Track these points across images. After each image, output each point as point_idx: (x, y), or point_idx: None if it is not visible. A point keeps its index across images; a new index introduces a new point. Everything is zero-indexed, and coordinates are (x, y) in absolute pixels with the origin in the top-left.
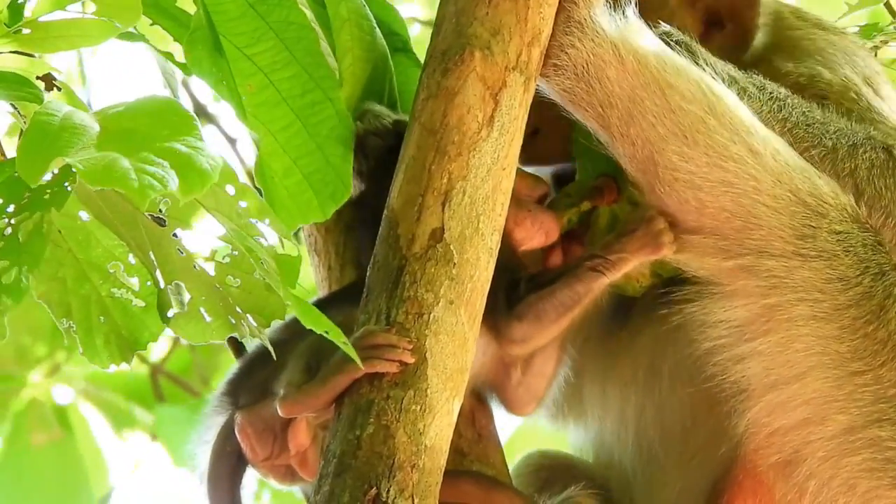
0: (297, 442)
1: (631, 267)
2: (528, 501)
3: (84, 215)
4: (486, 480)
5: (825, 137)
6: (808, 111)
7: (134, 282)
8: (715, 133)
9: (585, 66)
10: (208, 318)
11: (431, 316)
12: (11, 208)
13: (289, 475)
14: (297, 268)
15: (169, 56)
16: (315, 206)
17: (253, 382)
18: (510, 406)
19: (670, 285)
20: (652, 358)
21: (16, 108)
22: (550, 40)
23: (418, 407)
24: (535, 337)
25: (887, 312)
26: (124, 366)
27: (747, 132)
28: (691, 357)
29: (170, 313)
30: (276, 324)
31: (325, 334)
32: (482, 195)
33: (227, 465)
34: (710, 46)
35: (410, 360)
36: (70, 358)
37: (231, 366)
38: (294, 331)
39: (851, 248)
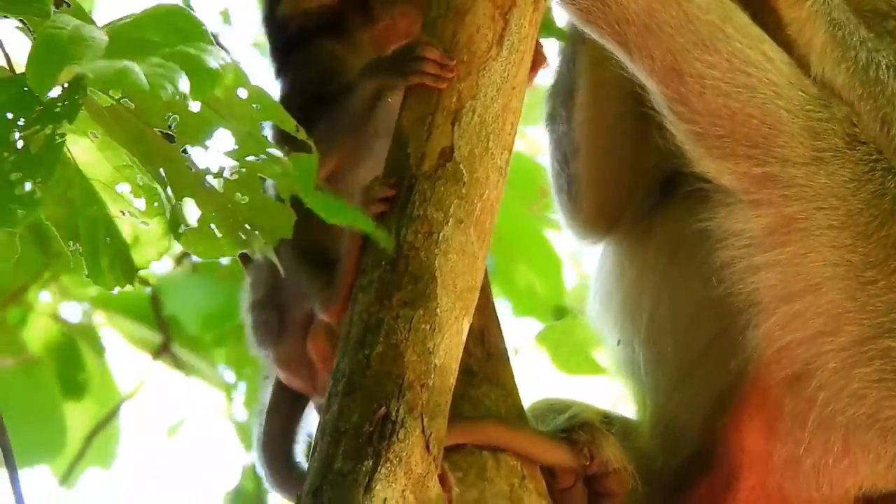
0: (317, 350)
1: None
2: (551, 437)
3: (94, 135)
4: (509, 423)
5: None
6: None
7: (140, 203)
8: (734, 40)
9: None
10: (218, 235)
11: (441, 235)
12: (22, 122)
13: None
14: (314, 167)
15: None
16: None
17: (264, 321)
18: None
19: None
20: (675, 246)
21: (25, 24)
22: None
23: (428, 326)
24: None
25: None
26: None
27: (760, 38)
28: (710, 259)
29: (181, 229)
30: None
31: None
32: (492, 114)
33: (288, 402)
34: None
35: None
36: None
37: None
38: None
39: (856, 141)
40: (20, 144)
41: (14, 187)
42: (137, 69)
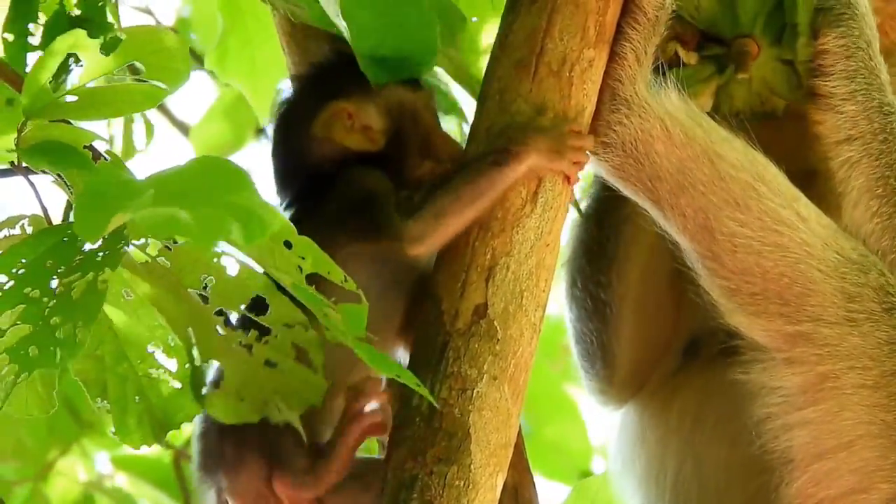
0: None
1: (532, 163)
2: None
3: (127, 294)
4: None
5: None
6: None
7: (172, 363)
8: (766, 199)
9: (634, 142)
10: (241, 399)
11: (475, 392)
12: (61, 270)
13: None
14: (363, 317)
15: None
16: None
17: (219, 450)
18: None
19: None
20: (699, 410)
21: (62, 178)
22: (596, 118)
23: (462, 482)
24: (435, 234)
25: None
26: (149, 448)
27: (794, 198)
28: (737, 421)
29: (203, 391)
30: None
31: (396, 378)
32: (526, 271)
33: None
34: None
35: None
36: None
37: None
38: None
39: (893, 308)
40: (60, 291)
41: (55, 330)
42: (186, 216)
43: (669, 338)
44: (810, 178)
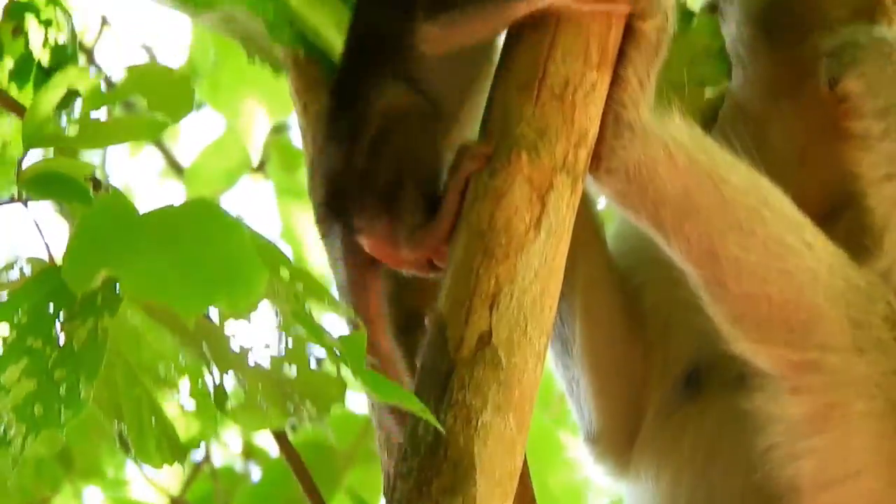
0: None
1: None
2: None
3: (133, 318)
4: None
5: None
6: None
7: (184, 383)
8: (771, 224)
9: (637, 167)
10: (265, 407)
11: (480, 421)
12: (62, 316)
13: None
14: (363, 347)
15: None
16: None
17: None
18: None
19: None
20: (712, 441)
21: (62, 207)
22: (600, 142)
23: None
24: (446, 37)
25: None
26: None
27: (799, 224)
28: (748, 448)
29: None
30: None
31: (399, 404)
32: (530, 299)
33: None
34: None
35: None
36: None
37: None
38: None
39: None
40: (63, 339)
41: (58, 386)
42: (175, 279)
43: (643, 393)
44: (831, 217)
